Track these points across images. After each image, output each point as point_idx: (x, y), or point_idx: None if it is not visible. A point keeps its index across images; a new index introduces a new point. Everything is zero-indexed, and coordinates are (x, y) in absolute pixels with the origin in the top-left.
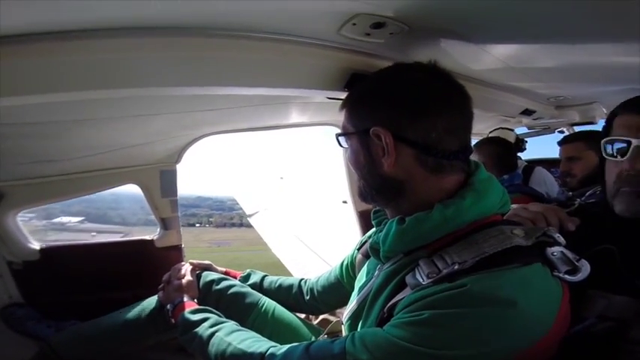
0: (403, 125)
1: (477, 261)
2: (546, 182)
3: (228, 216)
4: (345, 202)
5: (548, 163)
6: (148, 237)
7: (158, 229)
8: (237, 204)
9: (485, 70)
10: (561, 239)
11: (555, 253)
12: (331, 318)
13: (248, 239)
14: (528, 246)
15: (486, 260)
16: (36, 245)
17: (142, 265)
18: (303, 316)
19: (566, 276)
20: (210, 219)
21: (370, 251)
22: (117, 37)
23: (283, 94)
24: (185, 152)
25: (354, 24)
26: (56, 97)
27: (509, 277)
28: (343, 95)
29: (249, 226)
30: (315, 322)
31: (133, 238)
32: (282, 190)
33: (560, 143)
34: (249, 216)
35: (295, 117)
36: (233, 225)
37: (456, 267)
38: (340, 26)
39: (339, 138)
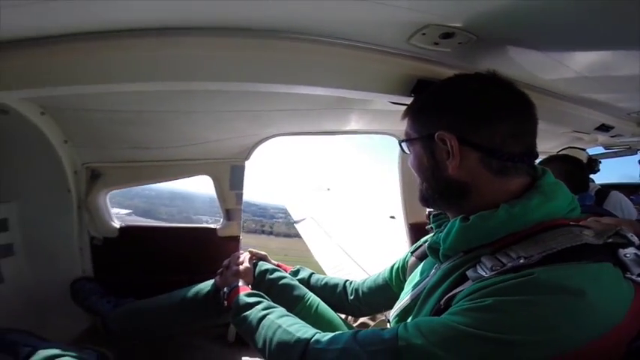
0: (467, 130)
1: (544, 256)
2: (622, 207)
3: (260, 223)
4: (392, 217)
5: (627, 189)
6: (212, 225)
7: (221, 219)
8: (279, 212)
9: (556, 81)
10: (635, 239)
11: (628, 255)
12: (370, 322)
13: (267, 248)
14: (599, 245)
15: (554, 256)
16: (117, 224)
17: (203, 252)
18: (342, 316)
19: (639, 279)
20: (244, 224)
21: (429, 251)
22: (206, 35)
23: (349, 97)
24: (254, 150)
25: (424, 34)
26: (153, 87)
27: (579, 270)
28: (407, 100)
29: (278, 235)
30: (354, 325)
31: (199, 225)
32: (329, 201)
33: None
34: (296, 222)
35: (356, 124)
36: (263, 232)
37: (522, 261)
38: (410, 36)
39: (402, 144)
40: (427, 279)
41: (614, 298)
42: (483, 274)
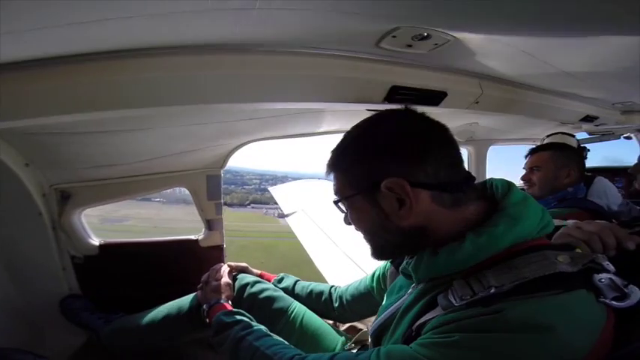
0: (414, 171)
1: (516, 285)
2: (607, 194)
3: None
4: None
5: (610, 172)
6: (193, 237)
7: (203, 230)
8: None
9: (538, 76)
10: (610, 267)
11: (603, 280)
12: (359, 326)
13: (153, 219)
14: (573, 272)
15: (526, 285)
16: (96, 241)
17: (187, 263)
18: (331, 322)
19: (613, 302)
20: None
21: (402, 274)
22: (171, 55)
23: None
24: (229, 158)
25: (394, 36)
26: (119, 114)
27: (549, 303)
28: (383, 107)
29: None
30: (342, 329)
31: (181, 238)
32: (320, 191)
33: None
34: (286, 215)
35: (331, 125)
36: (184, 202)
37: (492, 290)
38: (379, 39)
39: (339, 204)
40: (404, 297)
41: (585, 329)
42: (453, 302)
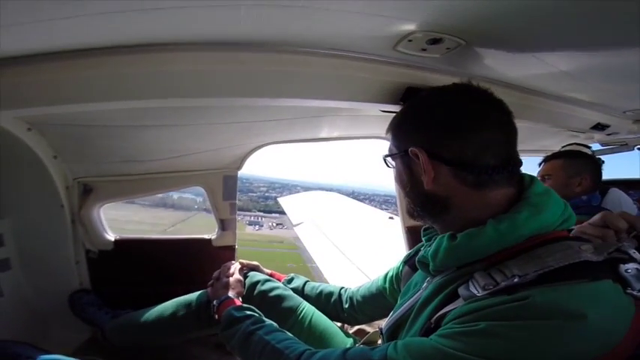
0: (437, 145)
1: (540, 274)
2: (622, 204)
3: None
4: (391, 217)
5: (624, 185)
6: (206, 236)
7: (216, 229)
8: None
9: (549, 82)
10: (637, 255)
11: (630, 270)
12: (368, 328)
13: (117, 220)
14: (599, 262)
15: (551, 274)
16: (111, 236)
17: (198, 263)
18: (339, 324)
19: None
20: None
21: (419, 265)
22: (194, 50)
23: (339, 107)
24: (247, 159)
25: (410, 40)
26: (142, 104)
27: (577, 291)
28: (397, 109)
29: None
30: (350, 331)
31: (194, 236)
32: (329, 202)
33: None
34: (295, 225)
35: (347, 130)
36: (157, 206)
37: (516, 280)
38: (396, 43)
39: (386, 159)
40: (419, 292)
41: (615, 319)
42: (475, 292)
